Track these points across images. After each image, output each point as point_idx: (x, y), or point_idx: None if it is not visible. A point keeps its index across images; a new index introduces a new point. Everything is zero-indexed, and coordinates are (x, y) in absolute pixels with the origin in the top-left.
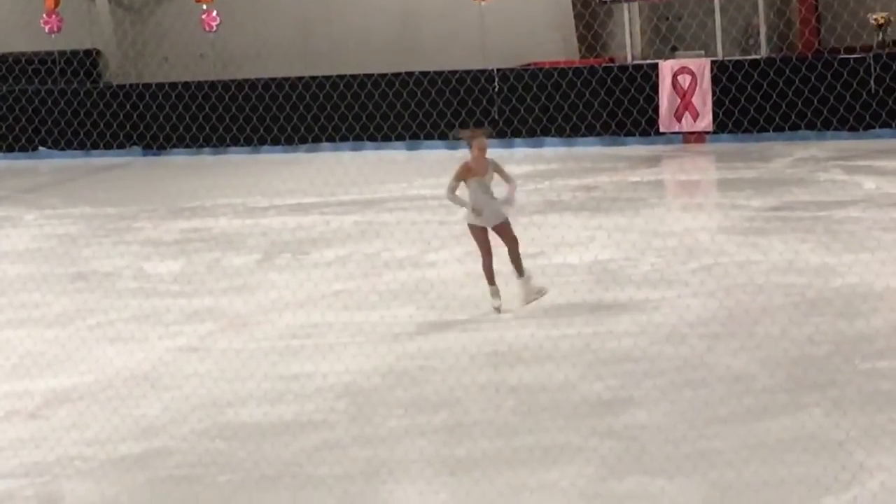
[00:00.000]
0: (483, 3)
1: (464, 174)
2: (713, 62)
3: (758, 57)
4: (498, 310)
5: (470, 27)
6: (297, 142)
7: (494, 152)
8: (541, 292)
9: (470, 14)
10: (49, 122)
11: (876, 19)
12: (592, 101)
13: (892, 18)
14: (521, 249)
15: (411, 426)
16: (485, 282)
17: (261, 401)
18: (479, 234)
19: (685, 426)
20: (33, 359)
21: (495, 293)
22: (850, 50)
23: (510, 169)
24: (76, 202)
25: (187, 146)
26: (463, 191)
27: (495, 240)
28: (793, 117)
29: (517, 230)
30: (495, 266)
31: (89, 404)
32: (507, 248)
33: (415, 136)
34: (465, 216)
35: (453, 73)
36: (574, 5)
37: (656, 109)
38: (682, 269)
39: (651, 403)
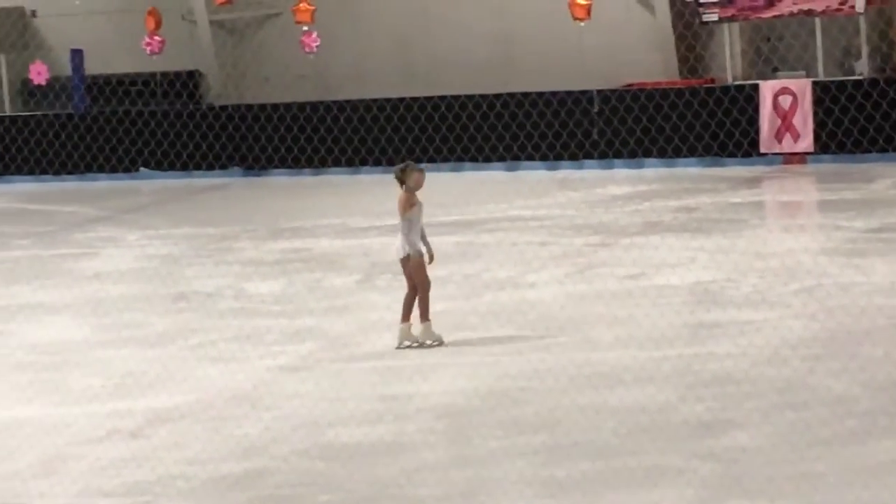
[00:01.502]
0: (582, 23)
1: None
2: (814, 83)
3: (859, 77)
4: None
5: (569, 48)
6: (398, 162)
7: (594, 173)
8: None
9: (569, 35)
10: (151, 143)
11: None
12: (693, 121)
13: None
14: (622, 272)
15: (511, 447)
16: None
17: (361, 421)
18: (419, 265)
19: (786, 448)
20: (135, 378)
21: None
22: None
23: (611, 189)
24: (178, 222)
25: (288, 167)
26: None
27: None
28: (895, 139)
29: (615, 251)
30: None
31: (190, 424)
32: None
33: (515, 157)
34: (410, 247)
35: (553, 93)
36: (675, 26)
37: (757, 130)
38: (784, 291)
39: (752, 425)
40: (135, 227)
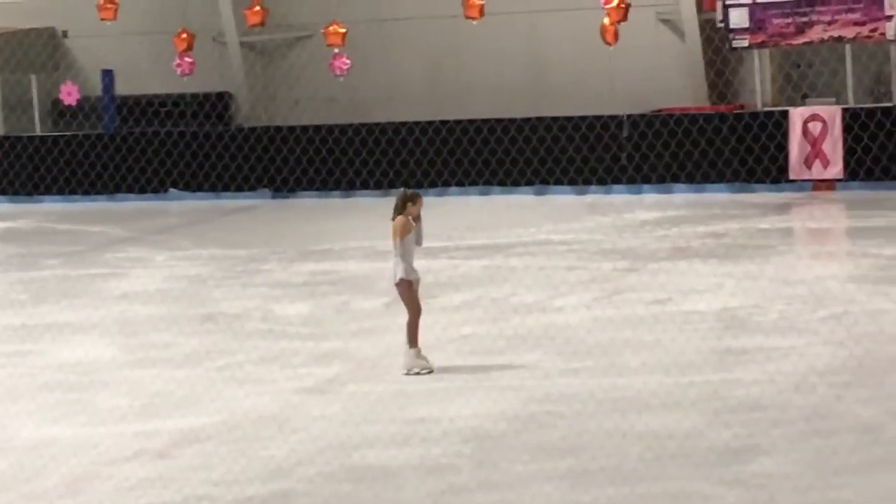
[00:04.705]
0: (612, 48)
1: (406, 230)
2: (844, 109)
3: (890, 105)
4: (431, 370)
5: (599, 73)
6: (426, 186)
7: (622, 198)
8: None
9: (599, 60)
10: (180, 164)
11: None
12: (722, 147)
13: None
14: (650, 297)
15: (538, 472)
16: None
17: (387, 443)
18: (413, 290)
19: (813, 475)
20: (162, 399)
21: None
22: None
23: (639, 214)
24: (206, 244)
25: (316, 189)
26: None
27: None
28: None
29: (642, 276)
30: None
31: (217, 445)
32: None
33: (543, 181)
34: (404, 272)
35: (583, 118)
36: (704, 51)
37: (786, 156)
38: (812, 318)
39: (779, 452)
40: (163, 247)
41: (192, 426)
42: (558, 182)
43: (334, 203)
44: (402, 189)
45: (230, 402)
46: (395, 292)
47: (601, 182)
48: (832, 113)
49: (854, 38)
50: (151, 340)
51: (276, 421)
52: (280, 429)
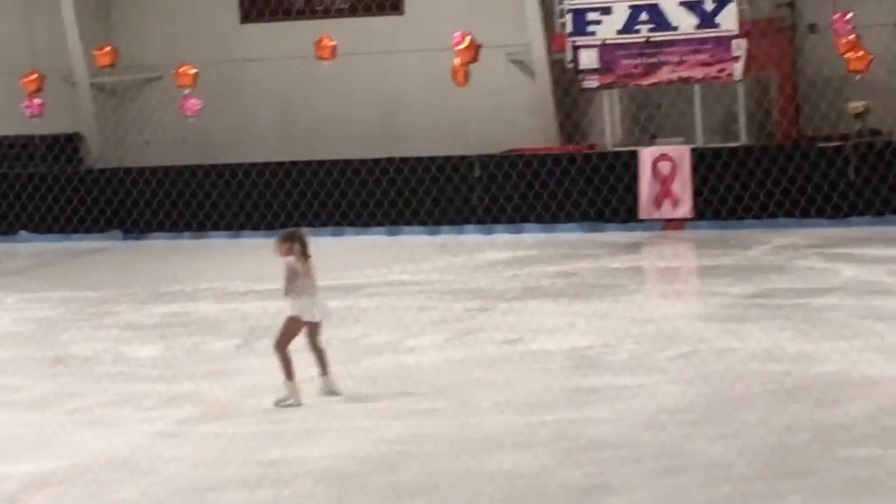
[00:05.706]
0: (464, 89)
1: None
2: (693, 149)
3: (737, 144)
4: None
5: (451, 113)
6: (278, 227)
7: (474, 238)
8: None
9: (451, 100)
10: (30, 206)
11: (855, 108)
12: (572, 187)
13: (870, 107)
14: (500, 337)
15: None
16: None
17: (240, 486)
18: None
19: None
20: (11, 443)
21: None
22: (828, 138)
23: (491, 254)
24: (56, 286)
25: (168, 230)
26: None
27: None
28: (771, 205)
29: (493, 316)
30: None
31: (67, 489)
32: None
33: (395, 222)
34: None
35: (433, 159)
36: (554, 92)
37: (636, 196)
38: (661, 356)
39: (629, 490)
40: (13, 289)
41: (42, 470)
42: (410, 223)
43: (185, 244)
44: (293, 229)
45: (81, 445)
46: (253, 333)
47: (453, 223)
48: (681, 153)
49: (702, 79)
50: (0, 384)
51: (128, 464)
52: (131, 472)
